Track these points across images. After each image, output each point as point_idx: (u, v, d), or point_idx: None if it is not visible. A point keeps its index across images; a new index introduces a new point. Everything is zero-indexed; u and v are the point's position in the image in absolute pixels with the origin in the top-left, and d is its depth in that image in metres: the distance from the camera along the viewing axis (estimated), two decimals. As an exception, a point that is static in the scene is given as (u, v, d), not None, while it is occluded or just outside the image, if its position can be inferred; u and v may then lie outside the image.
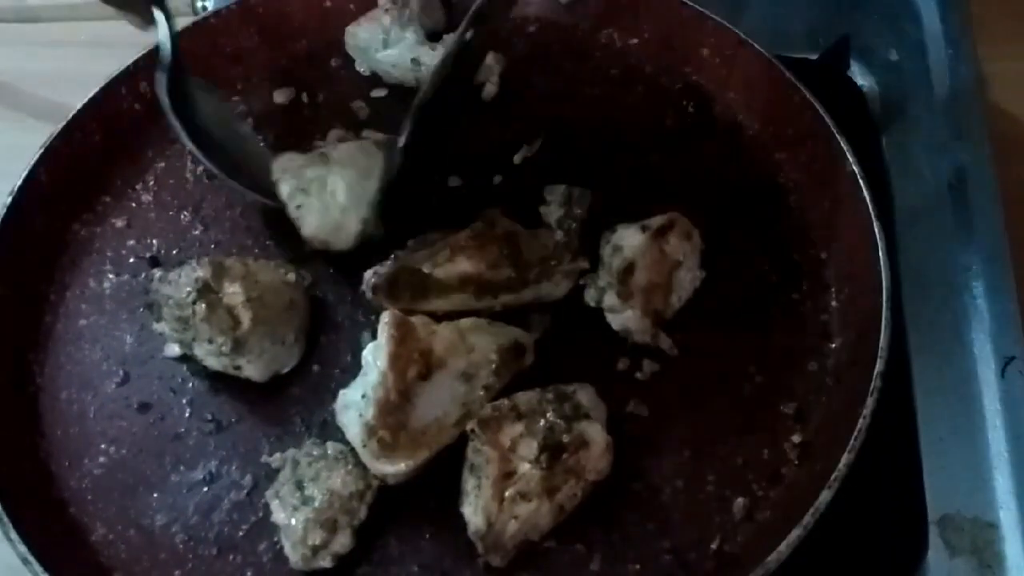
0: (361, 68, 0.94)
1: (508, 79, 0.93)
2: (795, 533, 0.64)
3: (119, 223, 0.87)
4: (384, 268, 0.75)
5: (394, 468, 0.69)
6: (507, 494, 0.67)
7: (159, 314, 0.76)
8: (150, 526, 0.72)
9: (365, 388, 0.70)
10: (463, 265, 0.75)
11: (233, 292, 0.75)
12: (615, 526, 0.69)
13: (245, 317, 0.74)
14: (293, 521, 0.68)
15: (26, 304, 0.82)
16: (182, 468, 0.74)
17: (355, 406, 0.70)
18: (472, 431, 0.69)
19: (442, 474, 0.71)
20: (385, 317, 0.71)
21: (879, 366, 0.70)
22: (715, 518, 0.69)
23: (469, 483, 0.69)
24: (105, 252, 0.85)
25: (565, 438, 0.68)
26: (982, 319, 0.81)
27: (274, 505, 0.70)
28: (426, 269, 0.75)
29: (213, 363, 0.76)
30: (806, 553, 0.65)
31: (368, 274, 0.75)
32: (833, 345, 0.77)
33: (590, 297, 0.77)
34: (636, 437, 0.73)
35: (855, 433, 0.68)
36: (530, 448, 0.68)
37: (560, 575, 0.68)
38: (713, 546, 0.68)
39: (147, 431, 0.76)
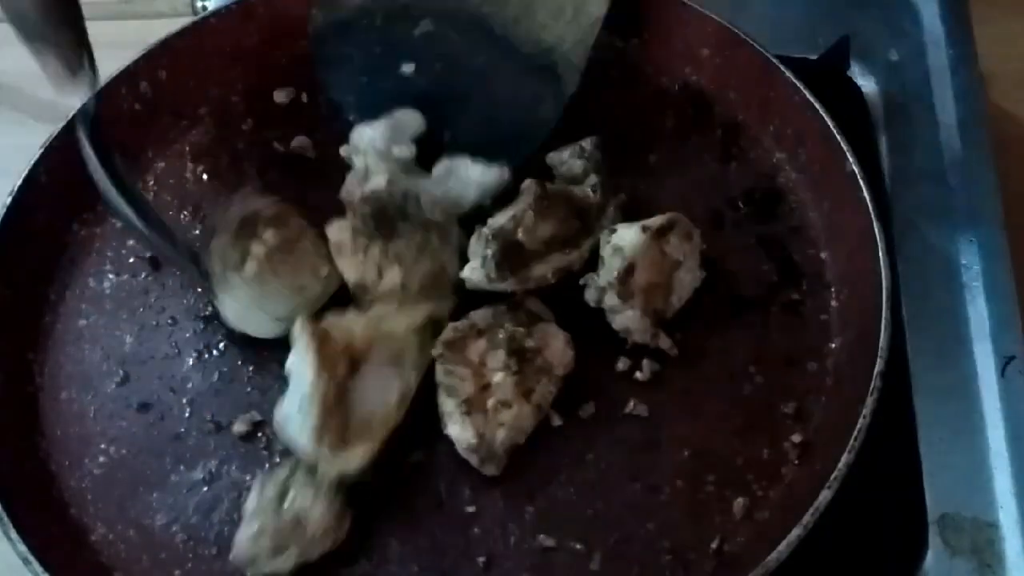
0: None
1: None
2: (795, 533, 0.64)
3: (119, 223, 0.87)
4: (493, 245, 0.75)
5: (352, 464, 0.69)
6: (489, 404, 0.71)
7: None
8: (150, 526, 0.72)
9: (300, 397, 0.70)
10: (543, 229, 0.76)
11: (264, 241, 0.76)
12: (615, 526, 0.70)
13: (250, 268, 0.75)
14: (255, 523, 0.69)
15: (26, 304, 0.82)
16: (182, 468, 0.74)
17: (294, 418, 0.71)
18: (440, 355, 0.72)
19: (442, 474, 0.71)
20: (298, 326, 0.72)
21: (879, 366, 0.70)
22: (715, 518, 0.69)
23: (449, 405, 0.71)
24: (105, 252, 0.85)
25: (528, 342, 0.72)
26: (982, 319, 0.81)
27: (255, 490, 0.70)
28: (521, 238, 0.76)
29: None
30: (806, 553, 0.65)
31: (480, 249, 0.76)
32: (833, 345, 0.77)
33: (590, 297, 0.77)
34: (636, 437, 0.73)
35: (855, 433, 0.67)
36: (497, 358, 0.72)
37: (560, 575, 0.68)
38: (713, 546, 0.68)
39: (147, 431, 0.76)
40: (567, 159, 0.82)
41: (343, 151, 0.87)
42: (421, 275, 0.77)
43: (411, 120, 0.85)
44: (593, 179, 0.80)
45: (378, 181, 0.81)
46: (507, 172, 0.81)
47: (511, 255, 0.75)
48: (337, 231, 0.79)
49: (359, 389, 0.71)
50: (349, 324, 0.74)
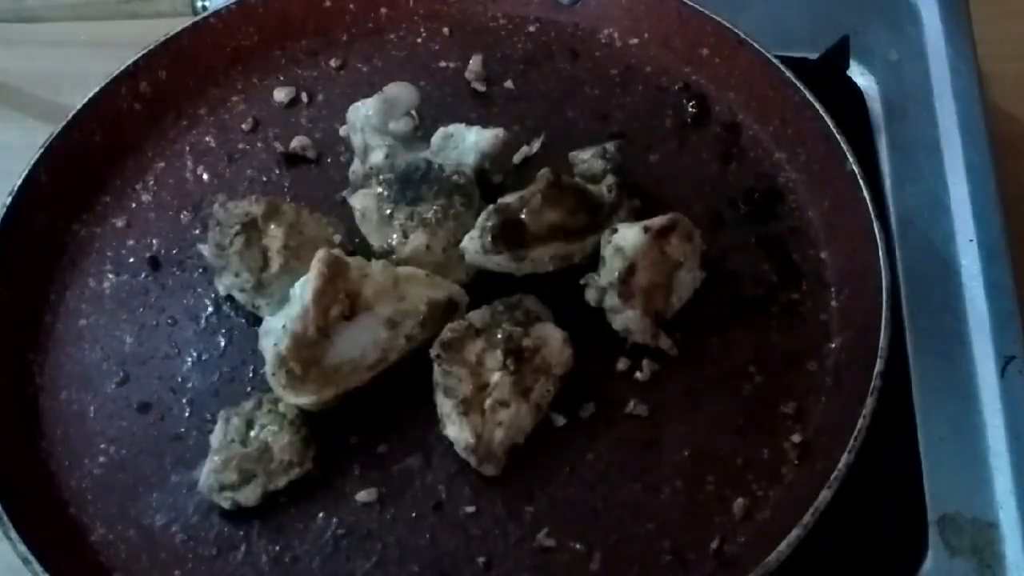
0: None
1: (508, 79, 0.94)
2: (795, 533, 0.64)
3: (119, 223, 0.87)
4: (494, 218, 0.75)
5: (297, 400, 0.71)
6: (486, 404, 0.71)
7: (206, 237, 0.79)
8: (150, 526, 0.72)
9: (287, 319, 0.72)
10: (549, 215, 0.76)
11: (274, 235, 0.77)
12: (615, 526, 0.69)
13: (276, 262, 0.76)
14: (224, 452, 0.71)
15: (26, 304, 0.81)
16: (182, 468, 0.74)
17: (274, 334, 0.72)
18: (437, 356, 0.71)
19: (441, 475, 0.72)
20: (320, 254, 0.72)
21: (879, 366, 0.70)
22: (715, 518, 0.69)
23: (447, 405, 0.71)
24: (105, 252, 0.85)
25: (525, 341, 0.72)
26: (982, 319, 0.81)
27: (219, 425, 0.72)
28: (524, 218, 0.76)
29: (236, 296, 0.78)
30: (806, 553, 0.65)
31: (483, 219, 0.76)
32: (833, 345, 0.77)
33: (591, 297, 0.77)
34: (636, 437, 0.73)
35: (855, 433, 0.68)
36: (495, 358, 0.72)
37: (560, 575, 0.68)
38: (713, 546, 0.68)
39: (147, 431, 0.76)
40: (588, 158, 0.82)
41: (342, 131, 0.88)
42: (446, 238, 0.77)
43: (404, 93, 0.85)
44: (610, 179, 0.80)
45: (377, 156, 0.82)
46: (502, 133, 0.82)
47: (512, 232, 0.75)
48: (361, 199, 0.80)
49: (345, 335, 0.72)
50: (370, 271, 0.74)
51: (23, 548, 0.67)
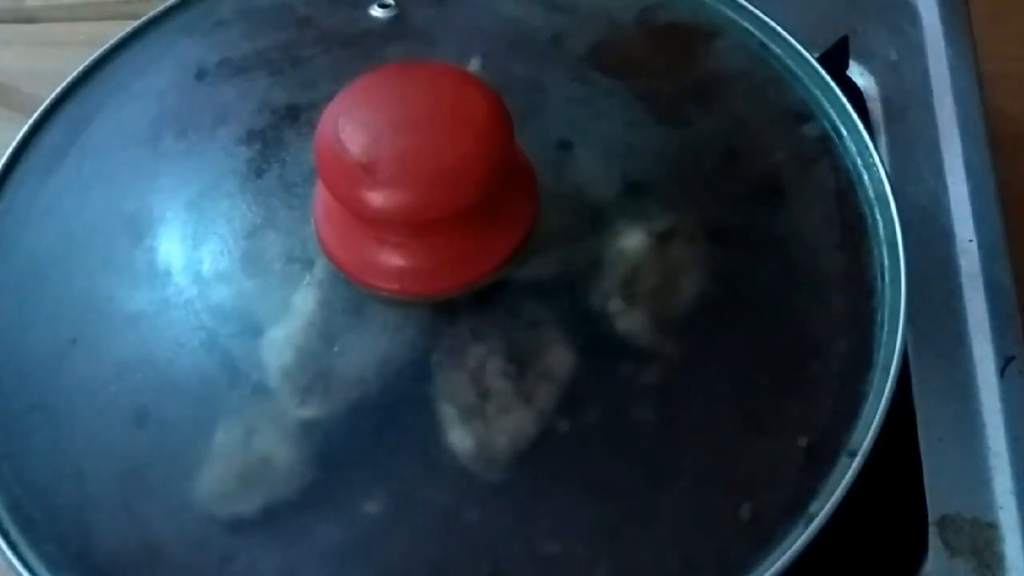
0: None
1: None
2: (795, 533, 0.65)
3: (120, 225, 0.87)
4: None
5: (300, 410, 0.71)
6: (488, 411, 0.70)
7: None
8: (149, 538, 0.71)
9: (289, 330, 0.72)
10: None
11: None
12: (620, 532, 0.70)
13: None
14: (224, 460, 0.70)
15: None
16: (182, 478, 0.72)
17: (275, 346, 0.72)
18: (438, 363, 0.71)
19: (443, 484, 0.71)
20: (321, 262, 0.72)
21: (880, 366, 0.70)
22: (721, 524, 0.69)
23: (449, 413, 0.71)
24: (106, 254, 0.85)
25: (528, 346, 0.73)
26: (982, 319, 0.81)
27: (219, 434, 0.71)
28: None
29: None
30: (806, 553, 0.65)
31: None
32: (833, 345, 0.77)
33: (593, 300, 0.77)
34: (641, 442, 0.73)
35: (856, 434, 0.68)
36: (497, 364, 0.71)
37: (565, 582, 0.68)
38: (720, 551, 0.68)
39: (144, 440, 0.74)
40: None
41: None
42: None
43: None
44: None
45: None
46: None
47: None
48: None
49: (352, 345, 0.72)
50: None
51: (19, 564, 0.67)
